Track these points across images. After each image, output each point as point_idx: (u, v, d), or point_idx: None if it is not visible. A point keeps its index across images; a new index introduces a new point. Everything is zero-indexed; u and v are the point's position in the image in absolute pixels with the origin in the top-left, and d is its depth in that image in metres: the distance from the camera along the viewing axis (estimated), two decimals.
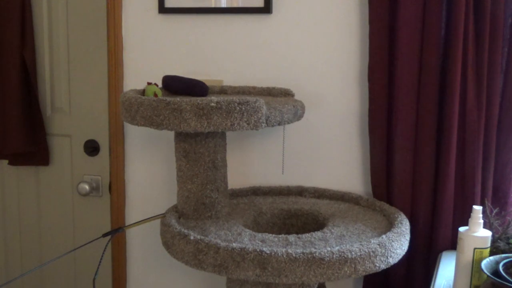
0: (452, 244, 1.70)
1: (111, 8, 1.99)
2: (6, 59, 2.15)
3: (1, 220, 2.40)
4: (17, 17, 2.13)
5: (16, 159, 2.27)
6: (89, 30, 2.15)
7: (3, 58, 2.16)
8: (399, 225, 1.55)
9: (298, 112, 1.66)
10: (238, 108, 1.43)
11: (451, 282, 1.47)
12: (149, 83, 1.72)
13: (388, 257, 1.42)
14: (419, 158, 1.72)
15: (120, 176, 2.07)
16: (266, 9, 1.85)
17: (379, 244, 1.40)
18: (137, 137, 2.06)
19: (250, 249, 1.35)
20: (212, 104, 1.42)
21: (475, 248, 1.40)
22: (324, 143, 1.89)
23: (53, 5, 2.19)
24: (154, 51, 2.00)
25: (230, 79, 1.94)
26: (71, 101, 2.22)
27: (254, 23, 1.89)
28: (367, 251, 1.37)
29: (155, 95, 1.67)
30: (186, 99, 1.45)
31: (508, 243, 1.51)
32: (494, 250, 1.48)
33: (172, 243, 1.50)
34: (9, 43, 2.14)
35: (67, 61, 2.20)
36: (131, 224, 1.84)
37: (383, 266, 1.42)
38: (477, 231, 1.41)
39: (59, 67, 2.22)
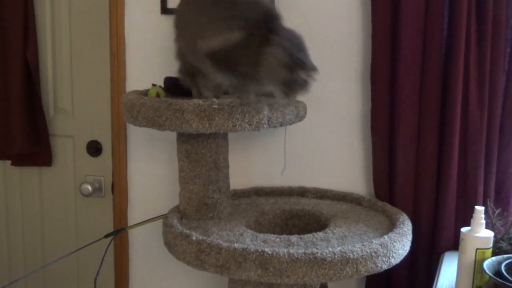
0: (454, 244, 1.69)
1: (114, 9, 1.99)
2: (9, 60, 2.16)
3: (4, 220, 2.40)
4: (20, 18, 2.13)
5: (19, 160, 2.28)
6: (92, 31, 2.15)
7: (6, 59, 2.16)
8: (401, 225, 1.54)
9: (300, 113, 1.66)
10: (240, 109, 1.43)
11: (453, 283, 1.47)
12: (153, 85, 1.71)
13: (390, 257, 1.42)
14: (421, 159, 1.72)
15: (122, 176, 2.08)
16: None
17: (381, 245, 1.40)
18: (139, 137, 2.06)
19: (252, 250, 1.35)
20: (214, 105, 1.42)
21: (477, 249, 1.39)
22: (326, 144, 1.89)
23: (55, 6, 2.19)
24: (157, 51, 2.00)
25: None
26: (73, 102, 2.22)
27: None
28: (369, 251, 1.37)
29: (158, 95, 1.67)
30: (188, 100, 1.45)
31: (511, 244, 1.51)
32: (497, 250, 1.48)
33: (174, 243, 1.50)
34: (12, 44, 2.15)
35: (69, 62, 2.20)
36: (134, 225, 1.85)
37: (385, 267, 1.42)
38: (479, 232, 1.41)
39: (61, 68, 2.22)
